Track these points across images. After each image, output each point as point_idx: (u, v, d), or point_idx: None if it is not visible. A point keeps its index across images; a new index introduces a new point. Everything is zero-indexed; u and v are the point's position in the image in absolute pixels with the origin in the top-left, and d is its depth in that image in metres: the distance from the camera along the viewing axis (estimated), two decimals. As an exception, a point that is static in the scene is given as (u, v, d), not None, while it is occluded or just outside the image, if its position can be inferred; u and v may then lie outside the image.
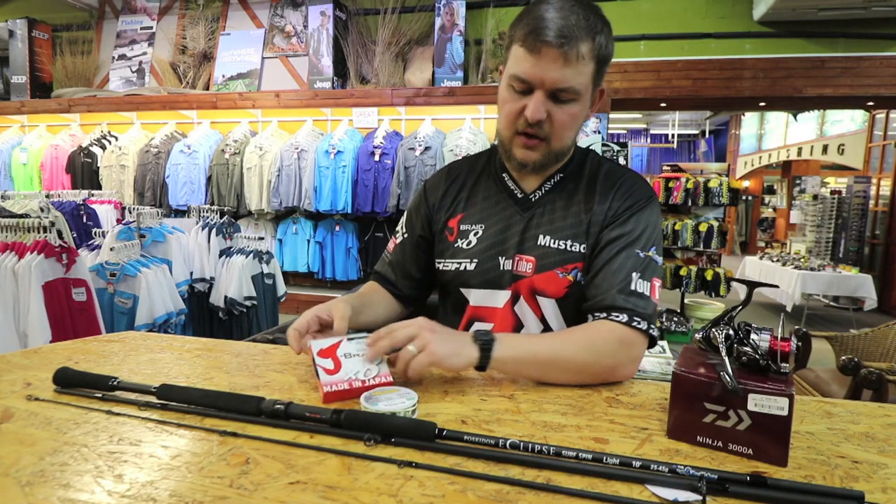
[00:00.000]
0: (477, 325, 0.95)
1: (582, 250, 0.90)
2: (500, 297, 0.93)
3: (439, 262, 0.99)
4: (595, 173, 0.95)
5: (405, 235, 1.04)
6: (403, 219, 1.07)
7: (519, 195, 0.96)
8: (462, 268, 0.94)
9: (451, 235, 0.98)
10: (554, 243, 0.91)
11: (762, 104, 5.31)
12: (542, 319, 0.92)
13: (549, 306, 0.91)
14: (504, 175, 0.98)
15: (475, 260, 0.94)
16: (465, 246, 0.95)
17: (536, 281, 0.91)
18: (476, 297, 0.95)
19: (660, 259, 0.88)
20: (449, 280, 0.97)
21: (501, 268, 0.92)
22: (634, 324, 0.80)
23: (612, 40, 0.85)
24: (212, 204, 4.39)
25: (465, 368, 0.73)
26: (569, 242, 0.90)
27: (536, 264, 0.91)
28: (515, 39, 0.83)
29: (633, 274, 0.84)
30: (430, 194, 1.03)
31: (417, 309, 1.02)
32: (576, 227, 0.91)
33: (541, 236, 0.92)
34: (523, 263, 0.91)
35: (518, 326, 0.93)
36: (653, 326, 0.82)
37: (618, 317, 0.80)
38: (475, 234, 0.95)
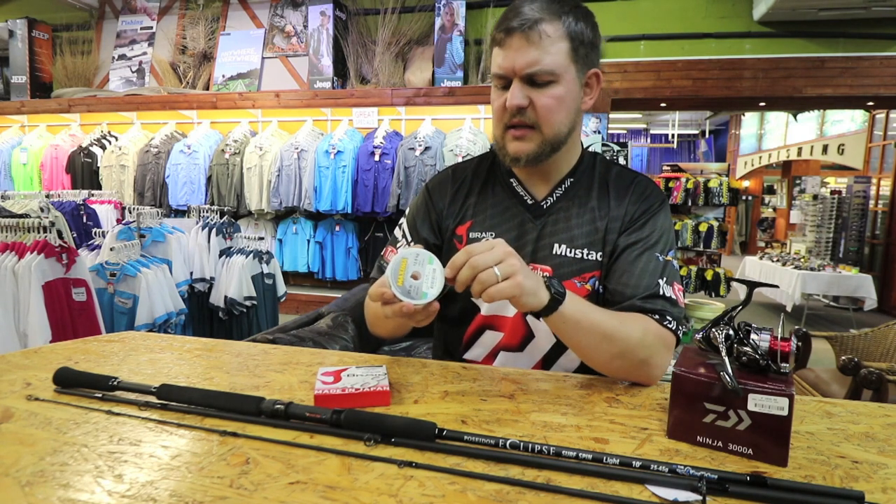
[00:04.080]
0: (487, 333, 0.93)
1: (598, 258, 0.89)
2: (511, 307, 0.91)
3: None
4: (605, 178, 0.94)
5: (410, 243, 0.98)
6: (404, 226, 1.00)
7: (529, 201, 0.93)
8: None
9: (461, 244, 0.94)
10: (570, 252, 0.89)
11: (762, 104, 5.32)
12: None
13: None
14: (512, 180, 0.95)
15: None
16: None
17: None
18: (489, 306, 0.92)
19: (676, 263, 0.89)
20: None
21: None
22: (666, 323, 0.81)
23: (591, 22, 0.85)
24: (212, 204, 4.39)
25: (531, 310, 0.71)
26: (585, 251, 0.89)
27: (554, 274, 0.88)
28: (492, 43, 0.86)
29: (660, 279, 0.84)
30: (437, 200, 0.98)
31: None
32: (591, 234, 0.90)
33: (556, 245, 0.90)
34: (538, 273, 0.90)
35: (528, 336, 0.91)
36: (681, 328, 0.82)
37: (653, 315, 0.81)
38: None
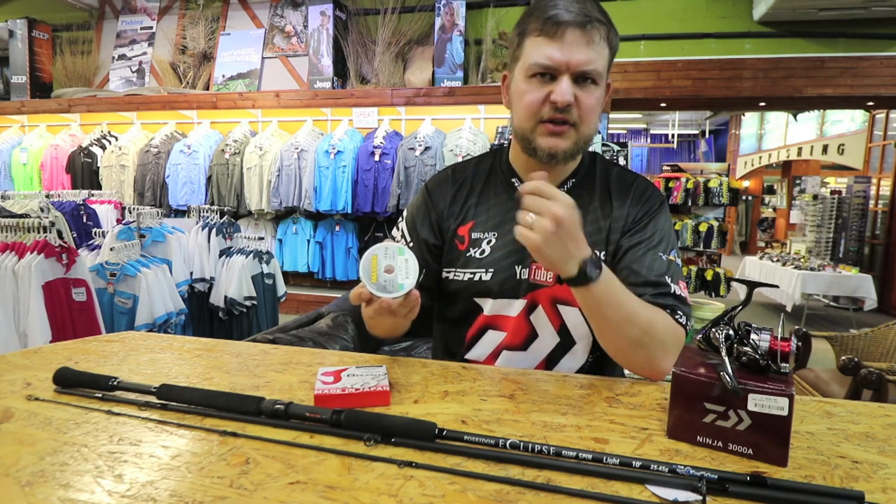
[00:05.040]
0: (490, 333, 0.93)
1: (602, 258, 0.89)
2: (514, 306, 0.91)
3: (448, 272, 0.95)
4: (606, 178, 0.94)
5: (409, 244, 0.97)
6: (402, 226, 1.00)
7: None
8: (477, 278, 0.91)
9: (462, 244, 0.94)
10: None
11: (762, 104, 5.32)
12: (560, 330, 0.90)
13: (572, 315, 0.89)
14: (514, 180, 0.95)
15: (490, 270, 0.91)
16: (478, 255, 0.92)
17: (559, 290, 0.88)
18: (491, 306, 0.92)
19: (679, 261, 0.90)
20: (459, 290, 0.94)
21: (518, 277, 0.90)
22: (678, 317, 0.82)
23: (617, 37, 0.86)
24: (212, 204, 4.39)
25: (557, 273, 0.73)
26: None
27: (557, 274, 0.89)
28: (529, 32, 0.83)
29: (666, 278, 0.85)
30: (437, 200, 0.97)
31: (422, 324, 0.96)
32: (595, 234, 0.90)
33: None
34: (541, 272, 0.89)
35: (532, 336, 0.91)
36: (689, 324, 0.84)
37: (665, 310, 0.82)
38: (488, 243, 0.92)
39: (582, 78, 0.81)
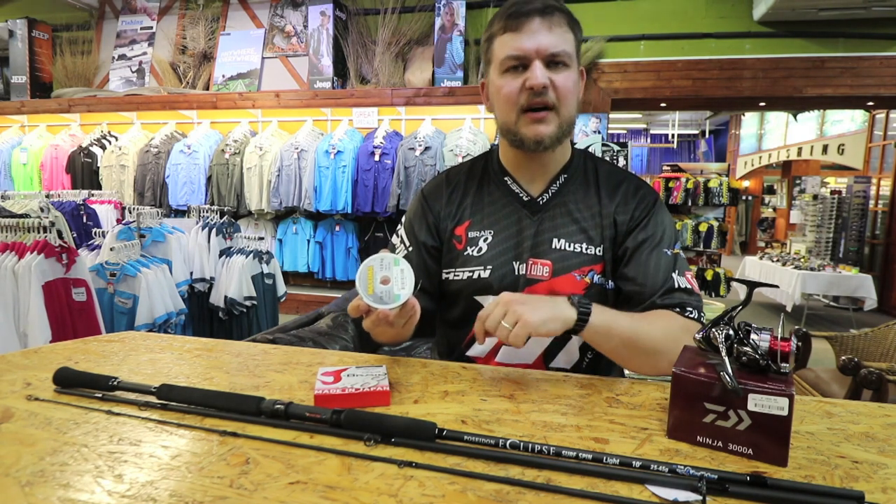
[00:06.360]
0: None
1: (598, 253, 0.91)
2: None
3: (448, 273, 0.96)
4: (596, 174, 0.97)
5: (409, 249, 0.98)
6: (402, 232, 1.01)
7: (525, 198, 0.95)
8: (476, 276, 0.93)
9: (460, 244, 0.95)
10: (570, 246, 0.91)
11: (762, 104, 5.31)
12: None
13: None
14: (507, 178, 0.97)
15: (489, 267, 0.92)
16: (475, 253, 0.93)
17: (555, 284, 0.90)
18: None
19: (682, 253, 0.93)
20: (460, 289, 0.95)
21: (516, 272, 0.92)
22: (688, 313, 0.84)
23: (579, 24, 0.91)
24: (212, 204, 4.39)
25: (560, 332, 0.75)
26: (584, 245, 0.91)
27: (553, 268, 0.90)
28: (496, 34, 0.88)
29: (673, 273, 0.87)
30: (433, 203, 0.99)
31: (424, 327, 0.96)
32: (589, 230, 0.92)
33: (555, 240, 0.92)
34: (538, 267, 0.91)
35: None
36: (702, 315, 0.86)
37: (673, 309, 0.85)
38: (485, 241, 0.94)
39: (553, 62, 0.84)
